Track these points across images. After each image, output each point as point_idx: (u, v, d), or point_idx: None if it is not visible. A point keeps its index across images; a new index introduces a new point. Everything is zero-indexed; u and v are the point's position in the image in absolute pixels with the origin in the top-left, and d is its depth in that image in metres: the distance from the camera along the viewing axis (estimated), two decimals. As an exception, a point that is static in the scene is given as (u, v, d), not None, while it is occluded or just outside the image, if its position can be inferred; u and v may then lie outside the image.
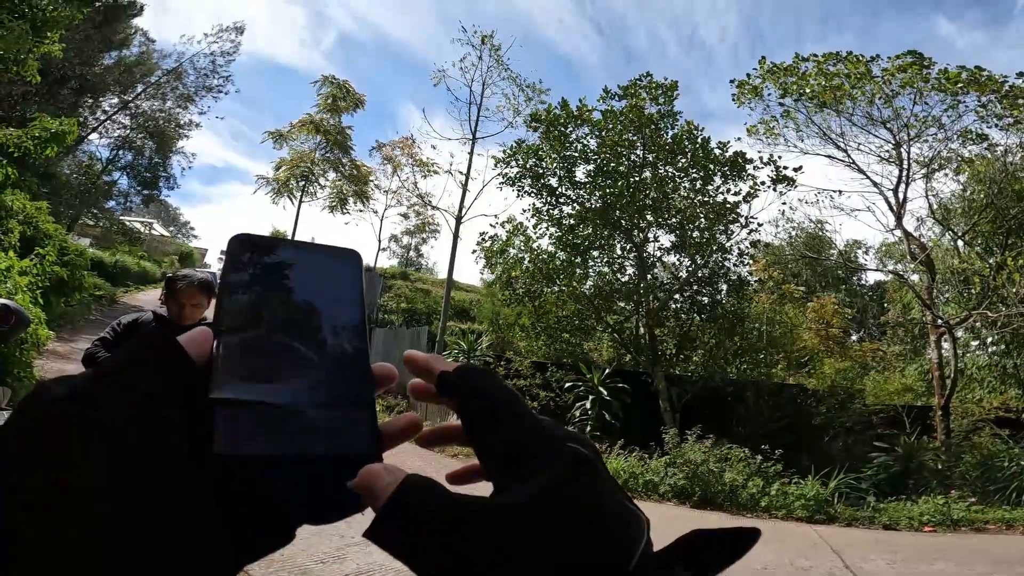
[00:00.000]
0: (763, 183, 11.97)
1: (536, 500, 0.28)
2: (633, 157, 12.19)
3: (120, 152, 29.22)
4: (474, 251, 13.50)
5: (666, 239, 12.54)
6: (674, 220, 12.15)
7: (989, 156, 11.96)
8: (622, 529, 0.28)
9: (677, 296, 12.47)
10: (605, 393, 10.57)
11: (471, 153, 17.24)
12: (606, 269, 12.86)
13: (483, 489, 0.33)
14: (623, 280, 12.75)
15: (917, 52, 11.35)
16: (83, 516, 0.24)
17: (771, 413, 10.97)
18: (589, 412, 10.55)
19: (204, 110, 29.42)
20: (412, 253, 43.80)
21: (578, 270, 12.28)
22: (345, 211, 30.49)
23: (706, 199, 12.09)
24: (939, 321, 11.47)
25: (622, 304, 12.85)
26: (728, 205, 11.98)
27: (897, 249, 17.63)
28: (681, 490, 8.26)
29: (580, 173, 12.43)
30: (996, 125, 11.50)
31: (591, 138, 12.41)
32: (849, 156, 12.77)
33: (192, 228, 71.56)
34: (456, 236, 17.05)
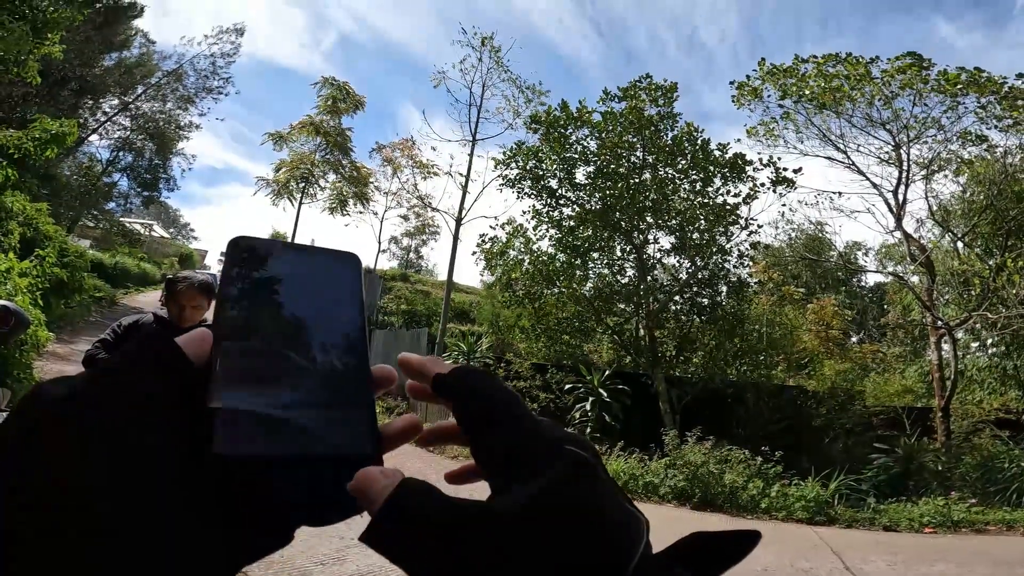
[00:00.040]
0: (763, 185, 11.98)
1: (534, 503, 0.28)
2: (633, 159, 12.20)
3: (120, 153, 29.27)
4: (474, 253, 13.51)
5: (666, 241, 12.56)
6: (674, 222, 12.15)
7: (989, 157, 11.96)
8: (621, 532, 0.28)
9: (677, 298, 12.47)
10: (605, 395, 10.56)
11: (471, 155, 17.27)
12: (606, 271, 12.86)
13: (482, 490, 0.33)
14: (623, 282, 12.75)
15: (916, 53, 11.37)
16: (82, 516, 0.24)
17: (771, 415, 10.96)
18: (589, 414, 10.55)
19: (204, 111, 29.50)
20: (412, 255, 43.77)
21: (578, 272, 12.28)
22: (345, 213, 30.50)
23: (706, 201, 12.09)
24: (939, 323, 11.47)
25: (622, 306, 12.84)
26: (728, 207, 11.98)
27: (897, 251, 17.65)
28: (681, 492, 8.25)
29: (580, 175, 12.45)
30: (996, 126, 11.51)
31: (591, 140, 12.42)
32: (849, 157, 12.80)
33: (192, 230, 71.62)
34: (456, 238, 17.07)
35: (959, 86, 11.16)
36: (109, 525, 0.25)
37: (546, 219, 12.66)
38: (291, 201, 30.47)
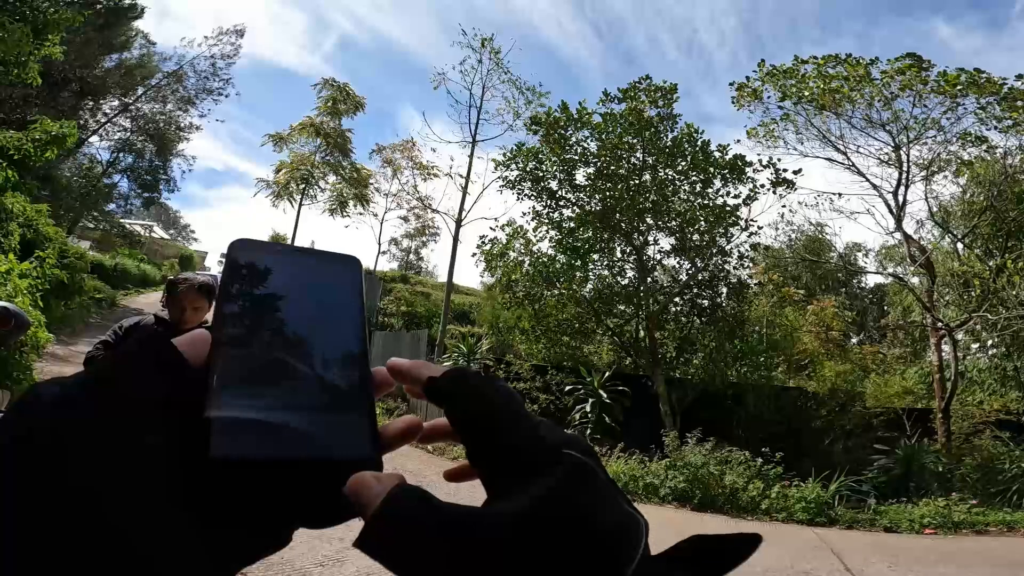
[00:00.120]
0: (763, 186, 11.99)
1: (531, 510, 0.27)
2: (633, 160, 12.19)
3: (120, 155, 29.33)
4: (474, 254, 13.50)
5: (666, 242, 12.54)
6: (674, 223, 12.14)
7: (988, 158, 11.96)
8: (619, 536, 0.27)
9: (677, 299, 12.47)
10: (605, 396, 10.56)
11: (471, 156, 17.32)
12: (606, 272, 12.86)
13: (480, 492, 0.33)
14: (623, 283, 12.75)
15: (916, 55, 11.37)
16: (72, 520, 0.24)
17: (771, 416, 10.95)
18: (589, 415, 10.54)
19: (204, 113, 29.57)
20: (412, 256, 43.79)
21: (578, 273, 12.27)
22: (345, 214, 30.54)
23: (706, 202, 12.09)
24: (939, 324, 11.47)
25: (622, 307, 12.84)
26: (728, 208, 11.98)
27: (897, 252, 17.67)
28: (681, 493, 8.24)
29: (580, 176, 12.44)
30: (995, 127, 11.51)
31: (591, 141, 12.41)
32: (849, 159, 12.80)
33: (192, 231, 71.77)
34: (456, 239, 17.11)
35: (959, 87, 11.17)
36: (107, 526, 0.25)
37: (546, 220, 12.66)
38: (291, 203, 30.52)
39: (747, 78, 12.84)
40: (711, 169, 11.85)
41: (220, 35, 28.50)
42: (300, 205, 30.28)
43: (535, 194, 12.66)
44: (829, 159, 13.01)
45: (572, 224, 12.45)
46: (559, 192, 12.54)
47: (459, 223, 17.22)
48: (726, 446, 8.90)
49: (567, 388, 11.28)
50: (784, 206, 13.47)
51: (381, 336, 17.07)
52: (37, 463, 0.25)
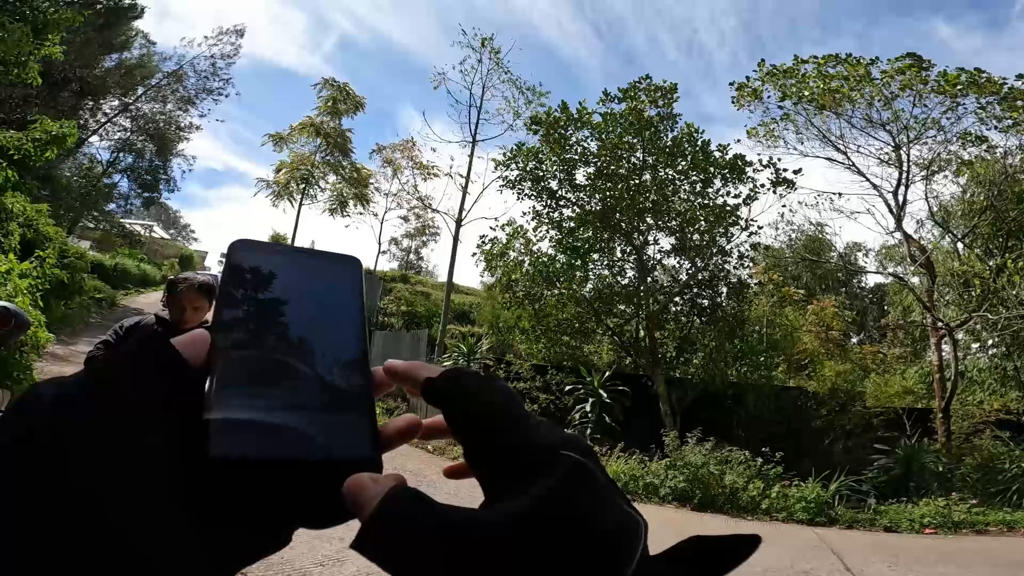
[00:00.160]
0: (763, 186, 11.99)
1: (529, 512, 0.27)
2: (633, 160, 12.19)
3: (120, 155, 29.33)
4: (474, 254, 13.51)
5: (666, 242, 12.55)
6: (674, 223, 12.15)
7: (989, 158, 11.96)
8: (618, 539, 0.27)
9: (677, 299, 12.47)
10: (605, 396, 10.56)
11: (471, 156, 17.33)
12: (606, 272, 12.86)
13: (478, 493, 0.32)
14: (623, 283, 12.76)
15: (916, 54, 11.37)
16: (72, 520, 0.24)
17: (771, 416, 10.96)
18: (589, 415, 10.54)
19: (204, 113, 29.57)
20: (412, 256, 43.77)
21: (578, 273, 12.28)
22: (345, 214, 30.54)
23: (706, 202, 12.09)
24: (939, 324, 11.47)
25: (622, 307, 12.85)
26: (728, 208, 11.98)
27: (897, 251, 17.66)
28: (681, 493, 8.24)
29: (580, 176, 12.45)
30: (995, 127, 11.51)
31: (591, 141, 12.42)
32: (849, 158, 12.80)
33: (192, 231, 71.73)
34: (456, 239, 17.12)
35: (959, 87, 11.17)
36: (107, 526, 0.25)
37: (546, 220, 12.66)
38: (291, 202, 30.52)
39: (747, 78, 12.86)
40: (711, 169, 11.85)
41: (220, 35, 28.53)
42: (300, 205, 30.30)
43: (535, 194, 12.66)
44: (829, 159, 13.03)
45: (572, 224, 12.45)
46: (559, 192, 12.55)
47: (459, 223, 17.24)
48: (726, 446, 8.90)
49: (567, 388, 11.28)
50: (784, 206, 13.50)
51: (381, 336, 17.07)
52: (37, 463, 0.25)
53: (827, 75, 12.03)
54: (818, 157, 13.04)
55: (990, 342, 14.34)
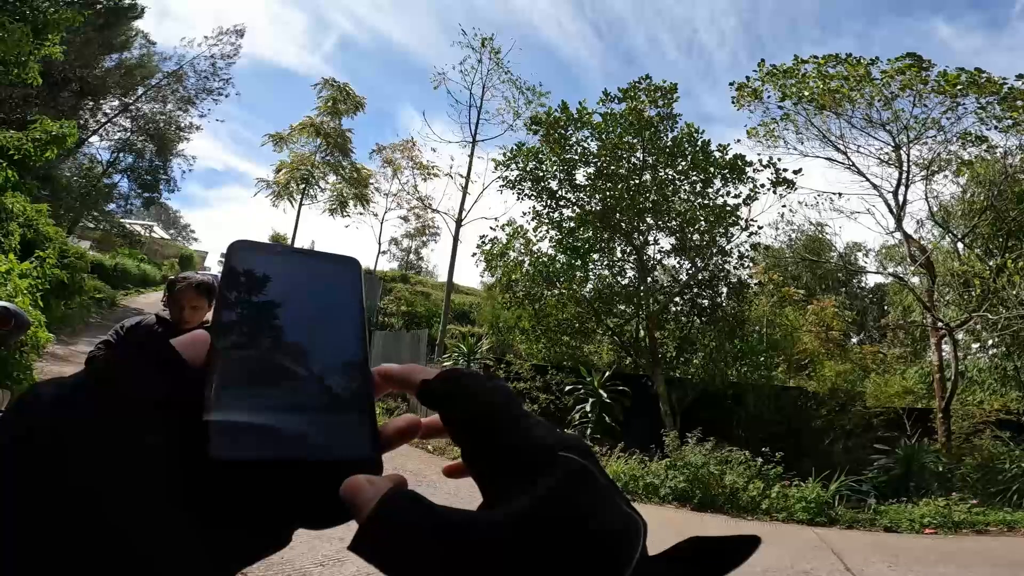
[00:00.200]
0: (763, 186, 11.99)
1: (528, 514, 0.27)
2: (633, 160, 12.19)
3: (120, 155, 29.34)
4: (474, 254, 13.51)
5: (666, 242, 12.55)
6: (674, 223, 12.15)
7: (989, 158, 11.96)
8: (617, 540, 0.27)
9: (677, 299, 12.47)
10: (605, 396, 10.56)
11: (471, 156, 17.35)
12: (606, 272, 12.86)
13: (478, 493, 0.32)
14: (623, 283, 12.75)
15: (916, 54, 11.37)
16: (72, 520, 0.24)
17: (772, 416, 10.95)
18: (589, 415, 10.54)
19: (204, 113, 29.57)
20: (412, 256, 43.77)
21: (578, 273, 12.28)
22: (345, 214, 30.54)
23: (706, 202, 12.09)
24: (939, 324, 11.47)
25: (622, 307, 12.84)
26: (728, 208, 11.98)
27: (897, 252, 17.66)
28: (681, 493, 8.24)
29: (580, 176, 12.44)
30: (995, 127, 11.51)
31: (591, 141, 12.42)
32: (849, 158, 12.80)
33: (192, 231, 71.70)
34: (456, 239, 17.14)
35: (959, 87, 11.17)
36: (107, 526, 0.25)
37: (546, 220, 12.66)
38: (291, 202, 30.52)
39: (747, 78, 12.85)
40: (711, 169, 11.85)
41: (220, 35, 28.54)
42: (300, 205, 30.30)
43: (535, 194, 12.66)
44: (829, 159, 13.02)
45: (572, 224, 12.45)
46: (559, 192, 12.55)
47: (459, 223, 17.25)
48: (726, 446, 8.89)
49: (567, 388, 11.28)
50: (784, 206, 13.51)
51: (381, 336, 17.06)
52: (37, 463, 0.25)
53: (827, 75, 12.03)
54: (818, 157, 13.06)
55: (990, 342, 14.34)
